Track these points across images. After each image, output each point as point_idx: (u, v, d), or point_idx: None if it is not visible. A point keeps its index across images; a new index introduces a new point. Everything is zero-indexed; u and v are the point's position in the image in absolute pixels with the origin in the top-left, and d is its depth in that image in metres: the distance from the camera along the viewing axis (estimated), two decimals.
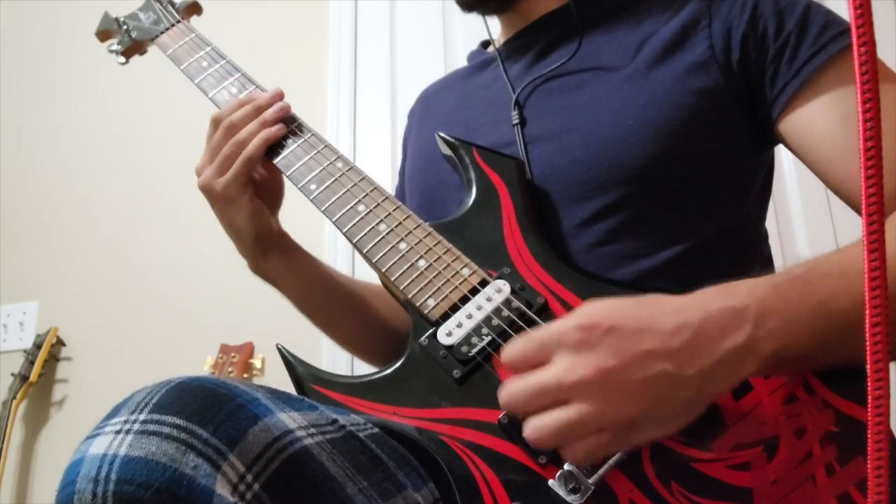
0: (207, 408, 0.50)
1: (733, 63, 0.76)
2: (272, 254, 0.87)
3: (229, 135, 0.82)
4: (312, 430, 0.55)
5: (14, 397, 1.70)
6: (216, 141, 0.82)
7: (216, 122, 0.83)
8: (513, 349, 0.57)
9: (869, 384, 0.34)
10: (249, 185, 0.82)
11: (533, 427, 0.55)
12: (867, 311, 0.34)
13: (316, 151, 0.82)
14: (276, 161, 0.82)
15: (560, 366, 0.54)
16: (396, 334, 0.92)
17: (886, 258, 0.34)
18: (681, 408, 0.55)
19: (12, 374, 1.74)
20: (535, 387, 0.55)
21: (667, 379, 0.53)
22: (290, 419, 0.54)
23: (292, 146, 0.83)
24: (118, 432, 0.48)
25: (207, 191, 0.83)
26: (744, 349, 0.55)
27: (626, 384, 0.53)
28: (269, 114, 0.83)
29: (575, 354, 0.54)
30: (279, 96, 0.85)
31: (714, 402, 0.59)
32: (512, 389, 0.56)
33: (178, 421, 0.48)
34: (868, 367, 0.34)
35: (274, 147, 0.83)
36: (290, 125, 0.84)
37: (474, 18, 0.97)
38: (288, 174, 0.81)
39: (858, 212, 0.71)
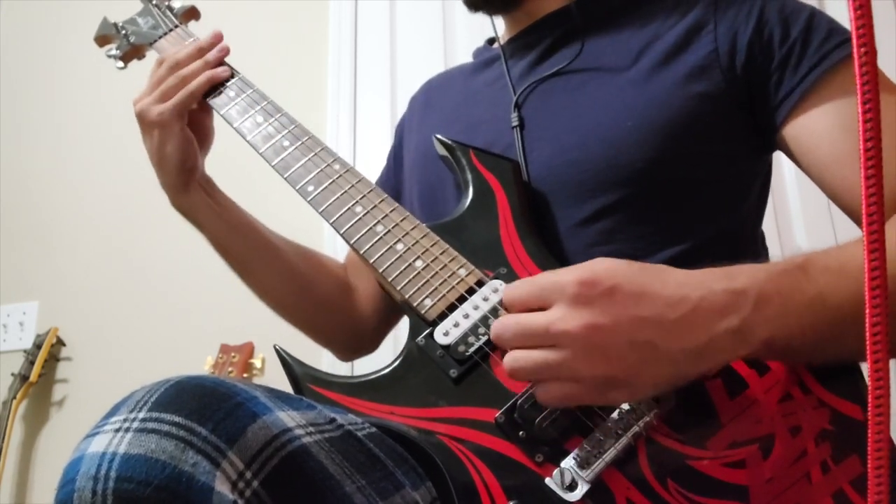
0: (206, 406, 0.50)
1: (737, 68, 0.76)
2: (194, 190, 0.90)
3: (173, 70, 0.87)
4: (311, 429, 0.55)
5: (14, 397, 1.70)
6: (159, 75, 0.88)
7: (160, 61, 0.89)
8: (514, 289, 0.58)
9: (869, 384, 0.34)
10: (184, 117, 0.87)
11: (513, 358, 0.57)
12: (867, 311, 0.34)
13: (313, 153, 0.83)
14: (273, 163, 0.83)
15: (554, 314, 0.55)
16: (317, 297, 0.97)
17: (886, 258, 0.34)
18: (659, 379, 0.56)
19: (12, 374, 1.74)
20: (524, 326, 0.56)
21: (652, 349, 0.54)
22: (288, 418, 0.54)
23: (290, 148, 0.83)
24: (117, 430, 0.48)
25: (142, 117, 0.87)
26: (737, 332, 0.56)
27: (611, 345, 0.54)
28: (212, 54, 0.89)
29: (569, 307, 0.55)
30: (219, 37, 0.91)
31: (709, 395, 0.60)
32: (503, 321, 0.58)
33: (177, 419, 0.49)
34: (868, 367, 0.34)
35: (274, 150, 0.84)
36: (289, 128, 0.85)
37: (474, 18, 0.97)
38: (286, 176, 0.82)
39: (856, 219, 0.71)
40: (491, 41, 1.01)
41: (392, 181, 1.04)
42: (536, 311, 0.57)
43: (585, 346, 0.54)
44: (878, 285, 0.34)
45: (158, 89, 0.86)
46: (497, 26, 0.98)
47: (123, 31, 1.01)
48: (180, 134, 0.86)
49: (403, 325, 0.75)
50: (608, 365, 0.54)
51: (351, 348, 1.05)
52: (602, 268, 0.57)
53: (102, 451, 0.47)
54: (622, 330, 0.54)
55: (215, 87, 0.89)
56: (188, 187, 0.90)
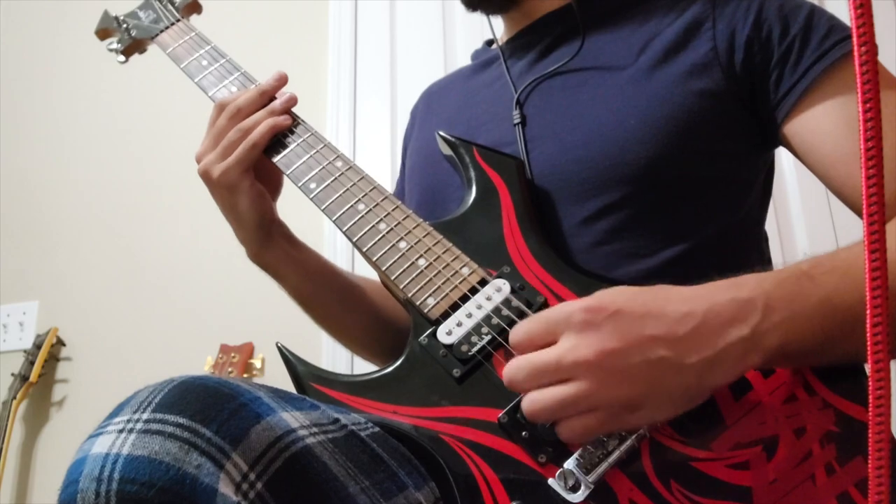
0: (210, 407, 0.50)
1: (736, 65, 0.76)
2: (274, 242, 0.86)
3: (234, 121, 0.81)
4: (314, 430, 0.55)
5: (14, 397, 1.70)
6: (220, 126, 0.81)
7: (221, 108, 0.82)
8: (520, 329, 0.58)
9: (869, 384, 0.34)
10: (251, 171, 0.81)
11: (530, 400, 0.56)
12: (868, 311, 0.34)
13: (315, 150, 0.82)
14: (275, 160, 0.82)
15: (563, 345, 0.55)
16: (396, 331, 0.92)
17: (887, 259, 0.34)
18: (678, 395, 0.56)
19: (12, 374, 1.74)
20: (536, 365, 0.56)
21: (667, 365, 0.54)
22: (292, 418, 0.54)
23: (292, 144, 0.83)
24: (121, 431, 0.48)
25: (207, 177, 0.81)
26: (748, 341, 0.56)
27: (626, 367, 0.54)
28: (277, 103, 0.83)
29: (578, 335, 0.55)
30: (283, 80, 0.85)
31: (713, 396, 0.60)
32: (514, 366, 0.57)
33: (181, 420, 0.49)
34: (868, 366, 0.34)
35: (274, 145, 0.83)
36: (292, 124, 0.84)
37: (474, 18, 0.97)
38: (288, 173, 0.81)
39: (859, 215, 0.71)
40: (489, 42, 1.01)
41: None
42: (544, 346, 0.57)
43: (600, 373, 0.54)
44: (879, 285, 0.34)
45: (221, 144, 0.80)
46: (496, 27, 0.98)
47: (125, 25, 1.00)
48: (251, 190, 0.81)
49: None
50: (625, 388, 0.54)
51: None
52: (604, 294, 0.57)
53: (106, 451, 0.47)
54: (634, 351, 0.54)
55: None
56: (268, 241, 0.85)
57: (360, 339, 0.97)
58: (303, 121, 0.85)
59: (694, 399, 0.57)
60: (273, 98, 0.84)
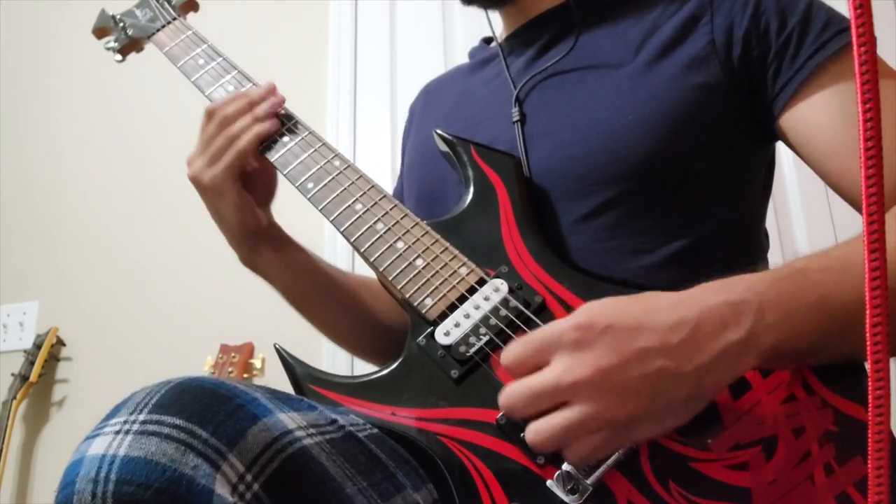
0: (207, 408, 0.50)
1: (734, 59, 0.76)
2: (263, 247, 0.87)
3: (222, 127, 0.82)
4: (312, 431, 0.55)
5: (14, 397, 1.70)
6: (209, 133, 0.82)
7: (210, 115, 0.83)
8: (510, 352, 0.57)
9: (869, 384, 0.34)
10: (238, 179, 0.82)
11: (534, 431, 0.55)
12: (867, 311, 0.34)
13: (313, 150, 0.82)
14: (272, 159, 0.82)
15: (558, 367, 0.54)
16: (393, 331, 0.92)
17: (887, 258, 0.34)
18: (680, 404, 0.55)
19: (12, 374, 1.74)
20: (533, 390, 0.55)
21: (665, 375, 0.54)
22: (289, 419, 0.54)
23: (289, 144, 0.82)
24: (118, 433, 0.48)
25: (196, 181, 0.83)
26: (743, 344, 0.55)
27: (625, 382, 0.53)
28: (261, 109, 0.83)
29: (572, 354, 0.54)
30: (272, 91, 0.85)
31: (713, 399, 0.59)
32: (511, 393, 0.56)
33: (178, 421, 0.49)
34: (868, 366, 0.34)
35: (271, 144, 0.83)
36: (287, 123, 0.84)
37: (474, 18, 0.97)
38: (285, 172, 0.81)
39: (856, 207, 0.71)
40: (487, 40, 1.01)
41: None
42: (537, 368, 0.55)
43: (600, 391, 0.53)
44: (879, 285, 0.34)
45: (208, 150, 0.82)
46: (495, 25, 0.98)
47: (121, 24, 1.00)
48: (237, 198, 0.82)
49: None
50: (627, 404, 0.53)
51: None
52: (593, 309, 0.56)
53: (102, 453, 0.47)
54: (630, 365, 0.53)
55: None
56: (255, 246, 0.87)
57: (356, 340, 0.97)
58: (300, 119, 0.85)
59: (695, 406, 0.56)
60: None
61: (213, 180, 0.81)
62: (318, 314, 0.95)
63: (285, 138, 0.83)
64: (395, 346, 0.94)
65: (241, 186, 0.83)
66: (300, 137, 0.83)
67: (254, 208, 0.85)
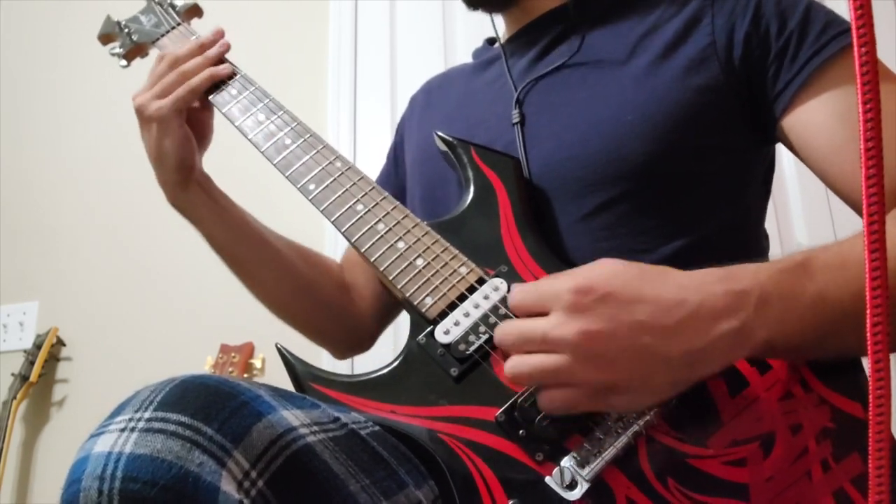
0: (211, 405, 0.50)
1: (735, 60, 0.76)
2: (192, 187, 0.90)
3: (174, 66, 0.87)
4: (315, 428, 0.55)
5: (14, 397, 1.70)
6: (160, 70, 0.87)
7: (161, 57, 0.89)
8: (517, 296, 0.60)
9: (870, 384, 0.34)
10: (183, 113, 0.86)
11: (513, 362, 0.58)
12: (868, 311, 0.34)
13: (315, 151, 0.82)
14: (275, 162, 0.83)
15: (551, 321, 0.56)
16: (320, 299, 0.96)
17: (887, 257, 0.34)
18: (661, 383, 0.56)
19: (12, 374, 1.74)
20: (524, 331, 0.58)
21: (651, 353, 0.55)
22: (293, 417, 0.54)
23: (291, 146, 0.83)
24: (123, 430, 0.48)
25: (140, 111, 0.86)
26: (738, 333, 0.56)
27: (609, 350, 0.55)
28: (213, 51, 0.89)
29: (565, 314, 0.56)
30: (220, 34, 0.92)
31: (710, 393, 0.60)
32: (504, 327, 0.59)
33: (183, 418, 0.49)
34: (869, 366, 0.34)
35: (275, 148, 0.83)
36: (291, 125, 0.85)
37: (474, 18, 0.97)
38: (287, 174, 0.82)
39: (856, 209, 0.71)
40: (491, 41, 1.02)
41: (392, 179, 1.04)
42: (538, 315, 0.57)
43: (583, 353, 0.55)
44: (879, 285, 0.34)
45: (158, 85, 0.86)
46: (497, 26, 0.98)
47: (126, 30, 1.00)
48: (179, 130, 0.86)
49: (404, 323, 0.75)
50: (606, 371, 0.55)
51: (348, 347, 1.06)
52: (598, 273, 0.57)
53: (108, 450, 0.47)
54: (619, 336, 0.54)
55: (216, 85, 0.89)
56: (186, 185, 0.89)
57: (279, 301, 0.99)
58: (302, 122, 0.86)
59: (677, 387, 0.57)
60: None
61: (159, 111, 0.84)
62: (246, 267, 0.96)
63: (287, 141, 0.84)
64: (332, 325, 0.97)
65: (184, 121, 0.87)
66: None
67: (193, 143, 0.89)
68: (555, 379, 0.56)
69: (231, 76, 0.89)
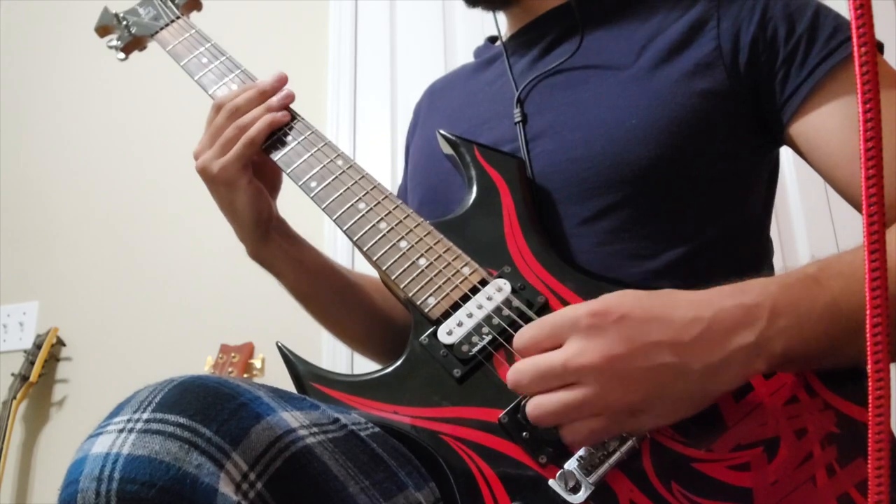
0: (210, 406, 0.50)
1: (741, 65, 0.76)
2: (272, 239, 0.86)
3: (232, 118, 0.81)
4: (314, 430, 0.55)
5: (14, 397, 1.70)
6: (217, 124, 0.81)
7: (218, 107, 0.82)
8: (524, 334, 0.58)
9: (869, 384, 0.34)
10: (249, 168, 0.82)
11: (535, 404, 0.57)
12: (867, 312, 0.34)
13: (316, 149, 0.82)
14: (276, 158, 0.82)
15: (569, 349, 0.55)
16: (396, 329, 0.92)
17: (888, 260, 0.34)
18: (682, 401, 0.56)
19: (12, 374, 1.74)
20: (541, 368, 0.56)
21: (671, 371, 0.55)
22: (292, 418, 0.54)
23: (292, 143, 0.82)
24: (121, 431, 0.48)
25: (205, 173, 0.81)
26: (754, 347, 0.56)
27: (631, 371, 0.54)
28: (274, 100, 0.83)
29: (584, 339, 0.55)
30: (283, 80, 0.85)
31: (716, 399, 0.60)
32: (519, 369, 0.57)
33: (182, 420, 0.48)
34: (868, 367, 0.34)
35: (274, 143, 0.82)
36: (291, 122, 0.84)
37: (475, 18, 0.97)
38: (288, 172, 0.81)
39: None
40: (493, 39, 1.01)
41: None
42: (549, 350, 0.57)
43: (605, 378, 0.54)
44: (879, 286, 0.34)
45: (218, 141, 0.80)
46: (499, 24, 0.98)
47: (124, 22, 1.00)
48: (249, 187, 0.81)
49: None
50: (629, 393, 0.55)
51: None
52: (610, 298, 0.58)
53: (106, 451, 0.47)
54: (639, 356, 0.54)
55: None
56: (266, 238, 0.85)
57: (360, 337, 0.97)
58: (303, 118, 0.85)
59: (698, 405, 0.57)
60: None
61: (223, 170, 0.79)
62: (331, 315, 0.94)
63: (288, 137, 0.83)
64: (401, 345, 0.94)
65: (252, 175, 0.82)
66: (304, 136, 0.83)
67: (266, 197, 0.84)
68: (580, 412, 0.56)
69: (291, 122, 0.83)
